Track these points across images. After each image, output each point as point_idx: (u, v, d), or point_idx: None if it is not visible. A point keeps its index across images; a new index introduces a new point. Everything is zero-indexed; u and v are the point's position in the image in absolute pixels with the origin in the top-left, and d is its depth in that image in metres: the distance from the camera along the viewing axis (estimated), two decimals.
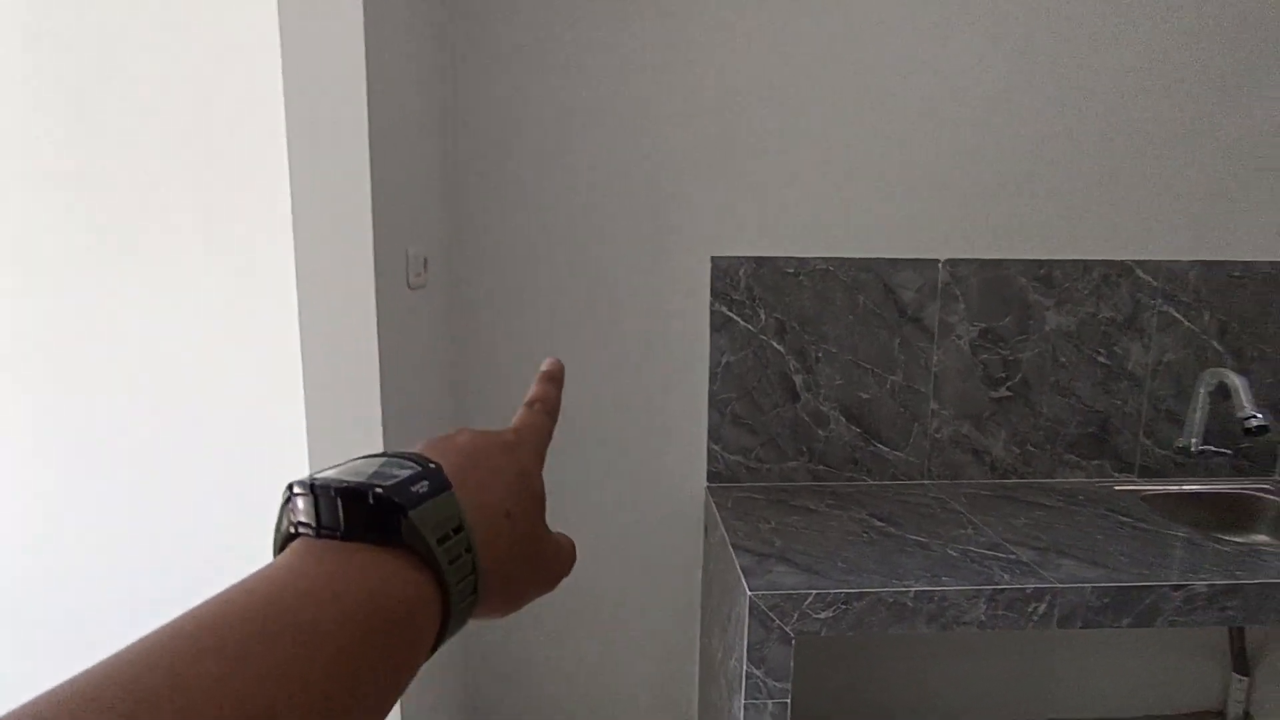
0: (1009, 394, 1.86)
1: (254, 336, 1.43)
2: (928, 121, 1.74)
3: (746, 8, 1.68)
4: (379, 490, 0.28)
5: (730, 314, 1.78)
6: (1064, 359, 1.85)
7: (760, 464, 1.84)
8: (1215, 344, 1.87)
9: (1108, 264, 1.82)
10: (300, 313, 1.23)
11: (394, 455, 0.32)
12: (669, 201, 1.73)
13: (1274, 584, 1.38)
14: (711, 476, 1.85)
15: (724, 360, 1.80)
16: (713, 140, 1.72)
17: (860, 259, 1.77)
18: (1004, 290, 1.81)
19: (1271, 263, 1.85)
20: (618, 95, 1.69)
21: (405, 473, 0.30)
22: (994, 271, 1.80)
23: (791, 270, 1.77)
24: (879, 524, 1.61)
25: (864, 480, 1.86)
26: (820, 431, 1.83)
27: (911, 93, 1.72)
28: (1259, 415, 1.69)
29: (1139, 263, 1.83)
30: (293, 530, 0.29)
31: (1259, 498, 1.86)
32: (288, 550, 0.28)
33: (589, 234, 1.74)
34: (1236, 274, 1.85)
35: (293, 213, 1.20)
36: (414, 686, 0.94)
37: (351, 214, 1.21)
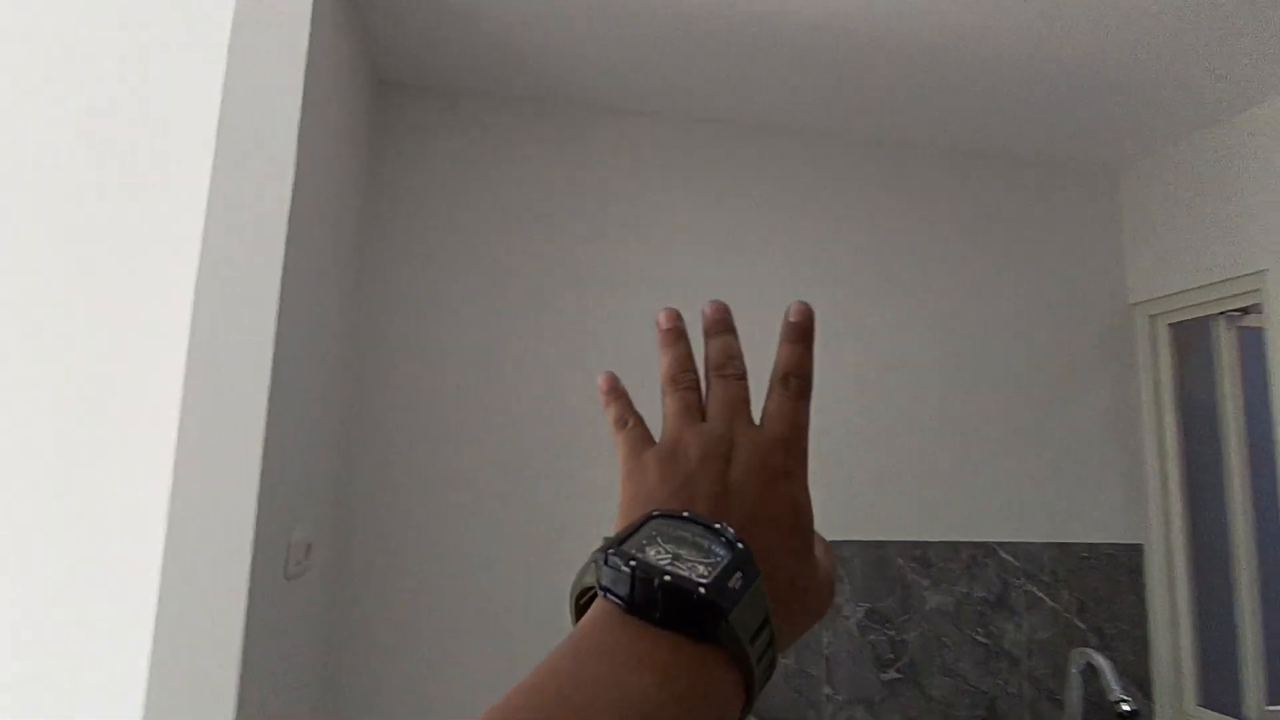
0: (899, 675, 1.87)
1: (101, 629, 1.30)
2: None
3: (653, 285, 1.88)
4: (703, 592, 0.28)
5: None
6: (946, 639, 1.90)
7: None
8: (1077, 621, 1.99)
9: (975, 545, 1.96)
10: (159, 610, 1.14)
11: (695, 519, 0.31)
12: (569, 488, 1.78)
13: None
14: None
15: None
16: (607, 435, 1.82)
17: None
18: (886, 570, 1.90)
19: (1111, 544, 2.04)
20: (530, 381, 1.80)
21: (719, 556, 0.30)
22: (876, 552, 1.90)
23: None
24: None
25: None
26: None
27: None
28: (1127, 700, 1.76)
29: (1001, 544, 1.98)
30: (600, 592, 0.29)
31: None
32: (606, 618, 0.28)
33: (491, 522, 1.74)
34: (1084, 555, 2.02)
35: (170, 503, 1.16)
36: None
37: (235, 497, 1.18)
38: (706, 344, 0.39)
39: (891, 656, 1.87)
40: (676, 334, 0.40)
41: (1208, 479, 2.06)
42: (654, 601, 0.28)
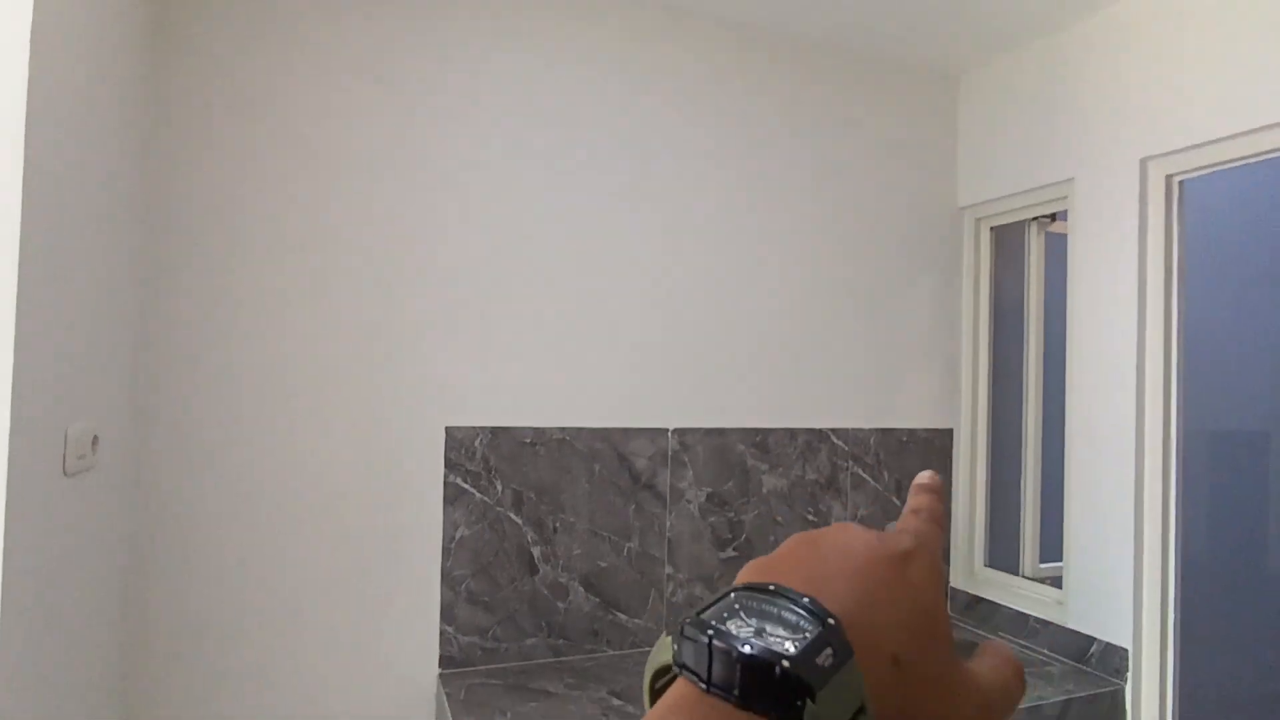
0: (735, 554, 1.97)
1: None
2: (656, 302, 1.90)
3: (491, 181, 1.75)
4: (786, 666, 0.25)
5: (465, 485, 1.72)
6: (780, 518, 2.02)
7: (498, 643, 1.73)
8: (894, 500, 2.17)
9: (810, 432, 2.07)
10: None
11: (782, 592, 0.28)
12: (400, 371, 1.67)
13: None
14: (445, 662, 1.70)
15: (458, 534, 1.71)
16: (449, 310, 1.71)
17: (596, 429, 1.83)
18: (727, 456, 1.97)
19: (927, 429, 2.22)
20: (345, 260, 1.64)
21: (806, 632, 0.27)
22: (718, 439, 1.96)
23: (529, 440, 1.77)
24: (618, 703, 1.57)
25: (604, 651, 1.83)
26: (560, 604, 1.79)
27: (642, 279, 1.88)
28: None
29: (834, 430, 2.10)
30: (676, 669, 0.27)
31: None
32: (681, 699, 0.27)
33: (307, 406, 1.60)
34: (904, 439, 2.19)
35: None
36: None
37: None
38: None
39: (729, 536, 1.97)
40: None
41: (1010, 371, 2.27)
42: (733, 678, 0.26)
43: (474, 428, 1.72)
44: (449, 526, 1.70)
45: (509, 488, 1.75)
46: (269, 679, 1.57)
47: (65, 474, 1.16)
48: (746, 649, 0.26)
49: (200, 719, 1.53)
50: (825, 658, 0.26)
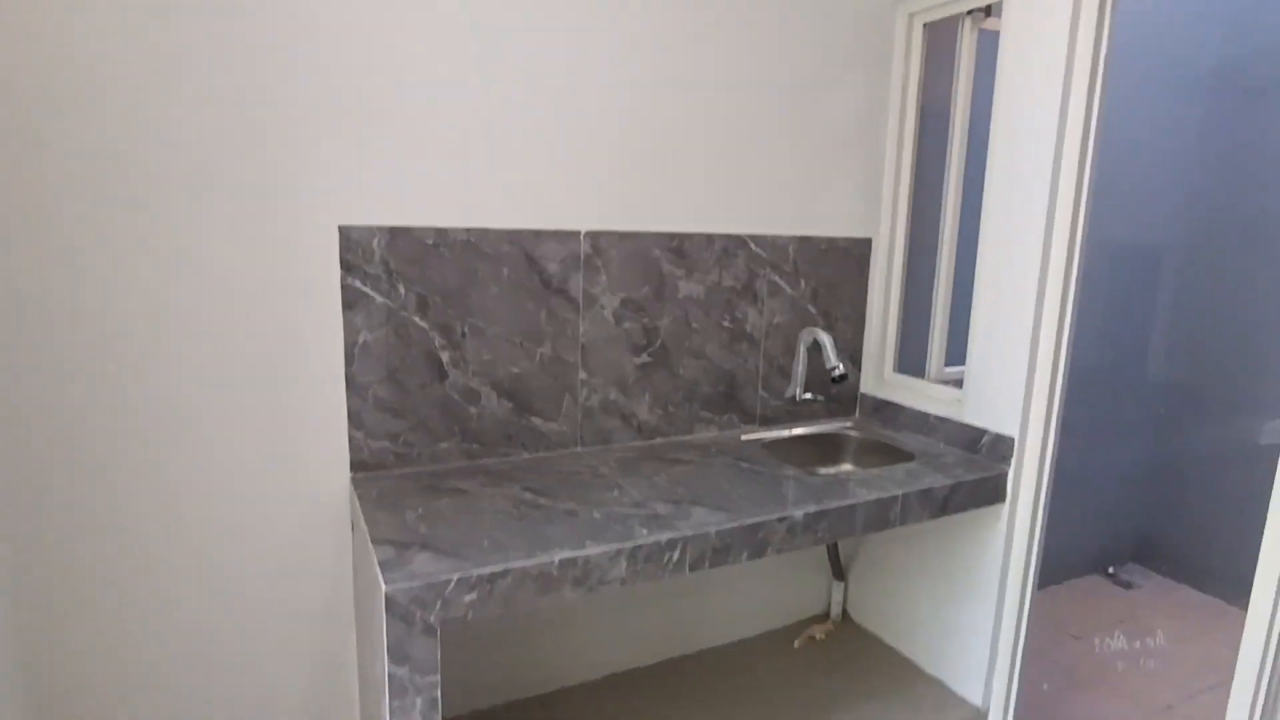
0: (650, 359, 1.97)
1: None
2: (566, 96, 1.74)
3: None
4: None
5: (365, 289, 1.62)
6: (696, 324, 2.02)
7: (410, 448, 1.72)
8: (810, 307, 2.19)
9: (728, 238, 2.02)
10: None
11: None
12: (282, 161, 1.51)
13: (851, 505, 1.64)
14: (357, 466, 1.69)
15: (361, 339, 1.64)
16: (337, 94, 1.53)
17: (504, 230, 1.74)
18: (642, 261, 1.91)
19: (847, 239, 2.21)
20: (216, 35, 1.42)
21: None
22: (633, 244, 1.89)
23: (431, 241, 1.66)
24: (530, 497, 1.60)
25: (519, 454, 1.85)
26: (472, 409, 1.77)
27: (553, 73, 1.71)
28: (840, 366, 2.01)
29: (752, 237, 2.06)
30: None
31: (845, 434, 2.23)
32: None
33: (182, 198, 1.45)
34: (823, 248, 2.17)
35: None
36: None
37: None
38: None
39: (645, 342, 1.96)
40: None
41: (931, 177, 2.24)
42: None
43: (370, 227, 1.60)
44: (350, 332, 1.62)
45: (413, 291, 1.67)
46: (162, 490, 1.53)
47: None
48: None
49: (100, 536, 1.49)
50: None
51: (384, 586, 1.21)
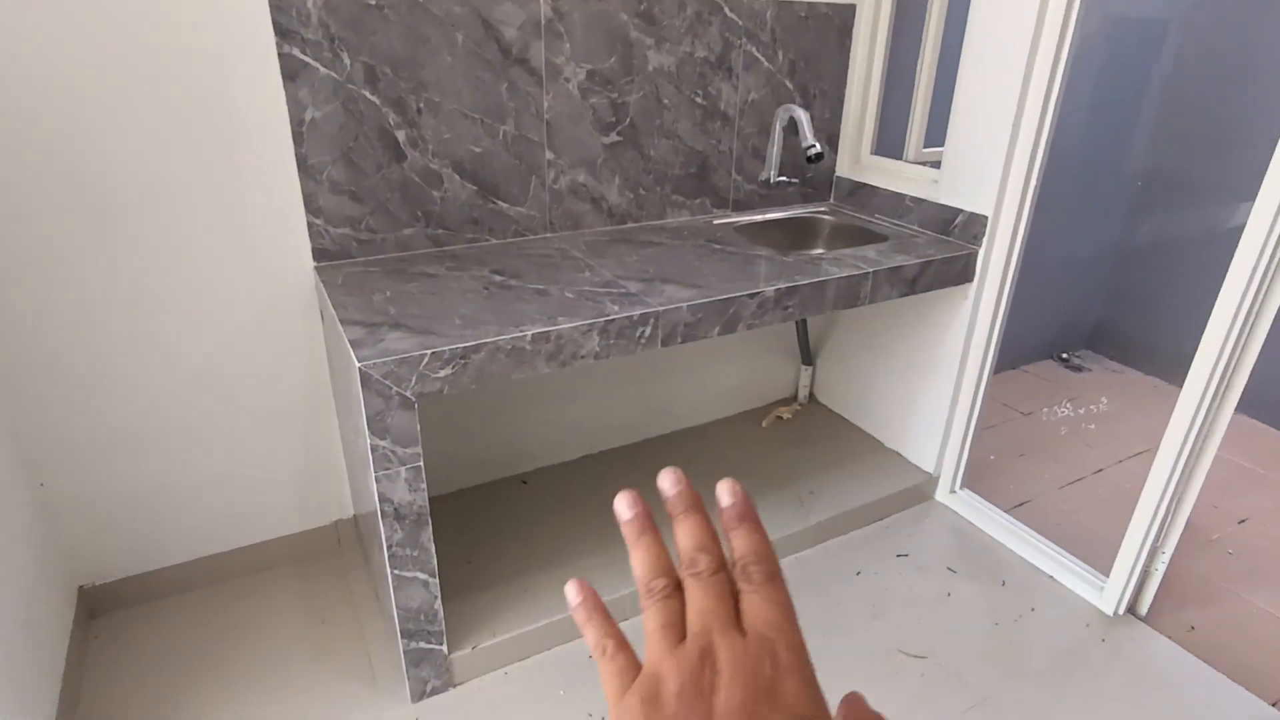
0: (620, 139, 1.88)
1: None
2: None
3: None
4: None
5: (306, 58, 1.48)
6: (667, 100, 1.90)
7: (373, 235, 1.67)
8: (787, 82, 2.07)
9: (701, 1, 1.85)
10: None
11: None
12: None
13: (821, 281, 1.65)
14: (320, 255, 1.63)
15: (308, 116, 1.52)
16: None
17: None
18: (608, 27, 1.75)
19: (828, 3, 2.03)
20: None
21: None
22: (598, 6, 1.72)
23: (373, 2, 1.50)
24: (499, 279, 1.58)
25: (487, 240, 1.80)
26: (434, 193, 1.69)
27: None
28: (817, 144, 1.94)
29: (727, 1, 1.88)
30: None
31: (818, 218, 2.20)
32: None
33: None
34: (803, 15, 2.01)
35: None
36: None
37: None
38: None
39: (613, 120, 1.85)
40: (642, 525, 0.32)
41: None
42: None
43: None
44: (295, 108, 1.50)
45: (358, 61, 1.52)
46: (130, 284, 1.47)
47: None
48: None
49: (65, 331, 1.45)
50: None
51: (357, 364, 1.21)
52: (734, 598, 0.30)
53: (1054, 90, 1.72)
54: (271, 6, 1.42)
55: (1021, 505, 2.21)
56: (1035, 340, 3.16)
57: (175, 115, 1.42)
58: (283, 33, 1.45)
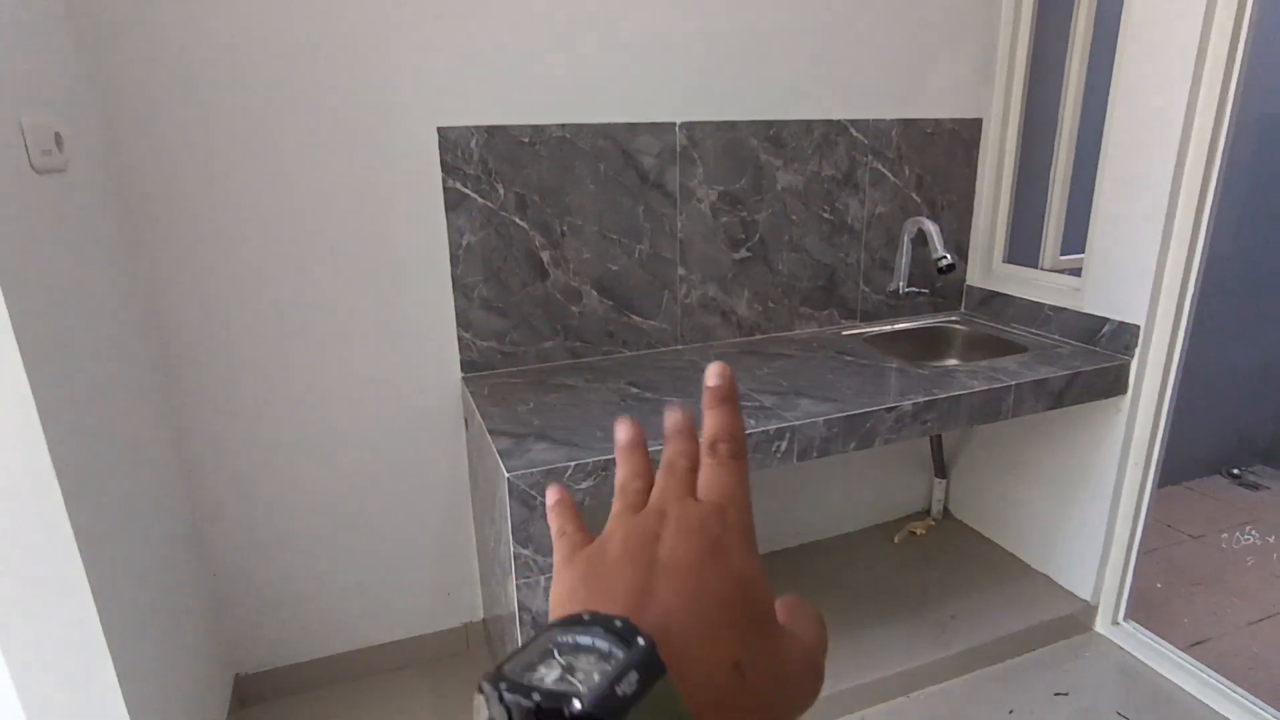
0: (749, 254, 1.94)
1: None
2: None
3: None
4: (577, 707, 0.22)
5: (466, 190, 1.64)
6: (795, 217, 1.96)
7: (515, 348, 1.77)
8: (914, 195, 2.08)
9: (827, 124, 1.92)
10: None
11: (596, 619, 0.25)
12: (383, 67, 1.52)
13: (959, 395, 1.60)
14: (466, 366, 1.75)
15: (464, 241, 1.67)
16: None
17: (598, 125, 1.70)
18: (739, 152, 1.85)
19: (953, 119, 2.06)
20: None
21: (612, 659, 0.23)
22: (729, 134, 1.83)
23: (527, 139, 1.65)
24: (635, 390, 1.62)
25: (621, 352, 1.87)
26: (574, 308, 1.79)
27: None
28: (947, 255, 1.92)
29: (853, 122, 1.95)
30: None
31: (951, 328, 2.15)
32: None
33: (287, 110, 1.48)
34: (929, 130, 2.04)
35: None
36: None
37: None
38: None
39: (743, 236, 1.92)
40: (633, 446, 0.35)
41: (1050, 52, 2.05)
42: None
43: (468, 127, 1.60)
44: (454, 234, 1.66)
45: (511, 191, 1.67)
46: (292, 395, 1.63)
47: (34, 170, 1.09)
48: (536, 697, 0.22)
49: (243, 435, 1.61)
50: (628, 684, 0.23)
51: (506, 473, 1.27)
52: (742, 481, 0.31)
53: (1209, 191, 1.65)
54: (441, 149, 1.60)
55: (1201, 644, 1.96)
56: (1199, 454, 2.89)
57: (356, 246, 1.59)
58: (448, 170, 1.62)
